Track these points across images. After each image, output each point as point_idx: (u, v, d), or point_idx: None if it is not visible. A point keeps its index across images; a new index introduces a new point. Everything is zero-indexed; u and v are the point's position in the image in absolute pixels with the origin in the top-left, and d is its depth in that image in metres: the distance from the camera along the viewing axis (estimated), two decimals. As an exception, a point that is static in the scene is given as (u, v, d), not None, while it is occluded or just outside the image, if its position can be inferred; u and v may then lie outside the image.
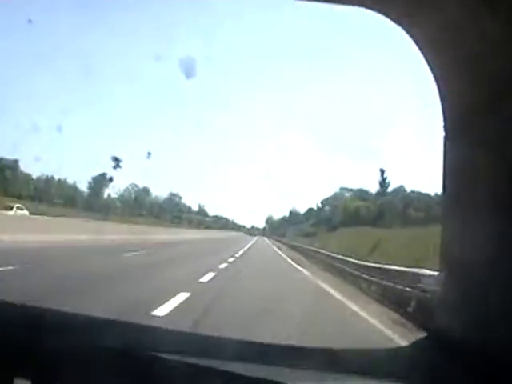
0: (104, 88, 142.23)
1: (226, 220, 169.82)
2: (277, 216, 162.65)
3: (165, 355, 1.30)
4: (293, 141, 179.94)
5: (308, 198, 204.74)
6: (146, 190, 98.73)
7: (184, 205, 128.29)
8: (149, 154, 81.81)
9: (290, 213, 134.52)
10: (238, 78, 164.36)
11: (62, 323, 1.43)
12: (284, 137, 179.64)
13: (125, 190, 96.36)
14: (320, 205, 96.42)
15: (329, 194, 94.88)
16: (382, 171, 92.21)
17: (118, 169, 70.14)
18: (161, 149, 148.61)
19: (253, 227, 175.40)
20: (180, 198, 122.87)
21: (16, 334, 1.30)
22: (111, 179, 73.52)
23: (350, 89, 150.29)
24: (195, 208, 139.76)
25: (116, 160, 70.12)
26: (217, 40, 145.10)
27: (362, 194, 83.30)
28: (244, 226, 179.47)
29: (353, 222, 68.61)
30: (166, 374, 1.25)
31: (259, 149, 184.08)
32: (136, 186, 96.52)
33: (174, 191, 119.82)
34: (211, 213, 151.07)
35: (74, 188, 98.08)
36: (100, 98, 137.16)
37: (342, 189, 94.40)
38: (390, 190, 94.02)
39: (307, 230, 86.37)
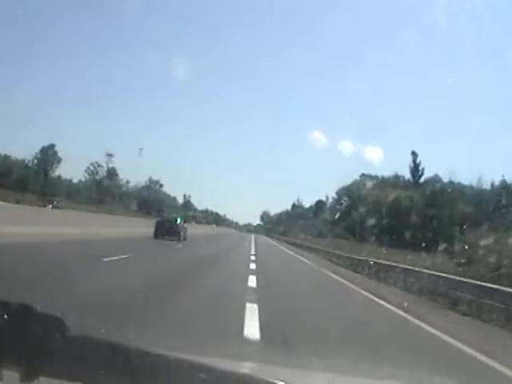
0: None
1: (217, 215, 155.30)
2: (273, 211, 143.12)
3: (156, 350, 1.31)
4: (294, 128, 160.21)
5: (313, 191, 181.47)
6: (111, 173, 76.61)
7: (167, 194, 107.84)
8: (140, 149, 76.46)
9: (293, 206, 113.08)
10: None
11: (51, 315, 1.34)
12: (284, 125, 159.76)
13: (86, 171, 75.25)
14: (335, 195, 75.40)
15: (341, 183, 74.01)
16: (415, 155, 71.90)
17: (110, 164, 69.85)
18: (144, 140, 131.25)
19: (249, 224, 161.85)
20: (161, 185, 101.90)
21: (3, 326, 1.27)
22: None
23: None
24: (180, 199, 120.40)
25: (109, 155, 69.65)
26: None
27: (395, 182, 62.92)
28: (237, 223, 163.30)
29: (392, 216, 48.30)
30: (157, 368, 1.24)
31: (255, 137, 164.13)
32: (99, 165, 75.22)
33: (154, 178, 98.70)
34: (200, 207, 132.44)
35: (26, 167, 77.69)
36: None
37: (363, 176, 74.04)
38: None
39: (321, 229, 66.08)
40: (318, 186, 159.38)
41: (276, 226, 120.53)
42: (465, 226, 35.83)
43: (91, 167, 74.41)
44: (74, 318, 1.45)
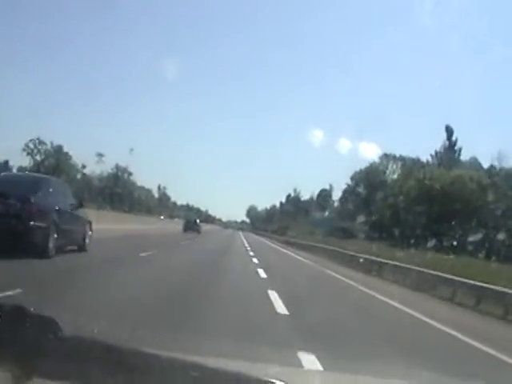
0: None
1: (199, 210, 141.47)
2: (261, 207, 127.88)
3: (149, 349, 1.33)
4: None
5: (307, 183, 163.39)
6: (58, 153, 58.48)
7: (139, 186, 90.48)
8: (131, 150, 74.41)
9: (288, 198, 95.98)
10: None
11: (44, 316, 1.37)
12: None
13: (23, 150, 57.64)
14: (349, 181, 58.87)
15: (351, 168, 57.92)
16: (450, 130, 55.68)
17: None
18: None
19: (235, 221, 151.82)
20: (130, 174, 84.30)
21: None
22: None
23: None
24: (156, 191, 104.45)
25: (100, 155, 65.20)
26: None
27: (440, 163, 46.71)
28: (220, 219, 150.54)
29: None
30: (150, 368, 1.24)
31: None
32: (42, 142, 57.59)
33: (122, 165, 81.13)
34: (179, 201, 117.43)
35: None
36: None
37: (384, 157, 57.86)
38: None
39: (342, 225, 49.73)
40: (313, 177, 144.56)
41: (267, 223, 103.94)
42: None
43: (30, 144, 56.94)
44: (67, 319, 1.45)
